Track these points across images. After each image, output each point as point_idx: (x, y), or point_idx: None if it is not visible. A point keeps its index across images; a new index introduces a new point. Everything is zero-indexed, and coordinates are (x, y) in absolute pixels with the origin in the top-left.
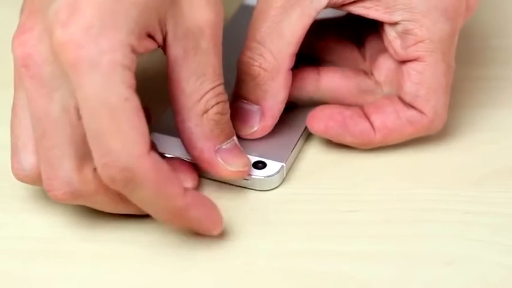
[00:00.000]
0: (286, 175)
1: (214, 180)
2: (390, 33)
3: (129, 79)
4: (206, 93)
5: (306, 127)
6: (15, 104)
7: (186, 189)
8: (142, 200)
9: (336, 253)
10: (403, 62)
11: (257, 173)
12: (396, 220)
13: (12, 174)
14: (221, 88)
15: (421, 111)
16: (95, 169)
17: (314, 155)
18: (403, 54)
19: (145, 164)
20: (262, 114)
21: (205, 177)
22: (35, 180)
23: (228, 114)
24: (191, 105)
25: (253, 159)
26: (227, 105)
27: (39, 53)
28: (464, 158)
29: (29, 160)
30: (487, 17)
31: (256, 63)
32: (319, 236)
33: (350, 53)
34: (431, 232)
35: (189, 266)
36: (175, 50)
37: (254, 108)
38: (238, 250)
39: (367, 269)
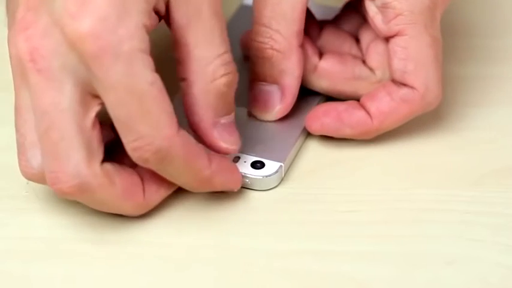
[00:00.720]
0: (284, 175)
1: None
2: (371, 8)
3: (150, 62)
4: (215, 58)
5: (304, 127)
6: (18, 104)
7: (210, 158)
8: (173, 174)
9: (336, 253)
10: (388, 39)
11: (255, 173)
12: (396, 220)
13: (12, 175)
14: (229, 56)
15: (412, 87)
16: (101, 163)
17: (313, 154)
18: (385, 29)
19: (177, 144)
20: (282, 92)
21: None
22: (42, 179)
23: (234, 88)
24: (199, 70)
25: (252, 159)
26: (235, 78)
27: (46, 47)
28: (464, 158)
29: (37, 157)
30: (486, 17)
31: (267, 46)
32: (319, 236)
33: (349, 48)
34: (431, 232)
35: (188, 266)
36: (179, 17)
37: (273, 88)
38: (238, 250)
39: (367, 269)
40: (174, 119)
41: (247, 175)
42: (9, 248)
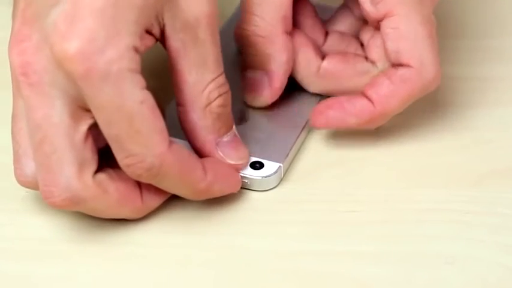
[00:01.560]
0: (284, 175)
1: None
2: None
3: (140, 81)
4: (208, 84)
5: (303, 127)
6: (14, 112)
7: (205, 167)
8: (168, 187)
9: (336, 253)
10: (379, 23)
11: (254, 174)
12: (396, 220)
13: (11, 175)
14: (223, 78)
15: (407, 65)
16: (94, 174)
17: (312, 155)
18: (373, 11)
19: (169, 160)
20: (270, 78)
21: None
22: (37, 185)
23: (230, 106)
24: (194, 97)
25: (251, 159)
26: (229, 96)
27: (38, 62)
28: (464, 158)
29: (30, 166)
30: (485, 17)
31: (250, 32)
32: (319, 236)
33: (355, 51)
34: (431, 232)
35: (188, 267)
36: (174, 42)
37: (261, 74)
38: (237, 250)
39: (367, 269)
40: (166, 136)
41: (247, 176)
42: (8, 248)
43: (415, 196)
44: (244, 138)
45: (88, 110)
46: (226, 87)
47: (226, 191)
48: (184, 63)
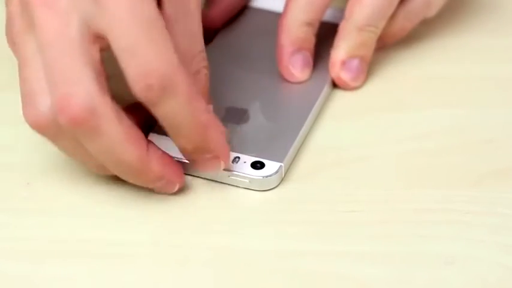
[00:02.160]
0: (284, 175)
1: (214, 180)
2: None
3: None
4: (198, 53)
5: (304, 127)
6: (24, 56)
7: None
8: (171, 111)
9: (336, 253)
10: None
11: (255, 173)
12: (396, 220)
13: (12, 175)
14: (205, 55)
15: None
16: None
17: (312, 155)
18: None
19: (182, 74)
20: None
21: (205, 178)
22: (51, 123)
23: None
24: (185, 63)
25: (252, 159)
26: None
27: None
28: (463, 158)
29: (46, 102)
30: (486, 17)
31: None
32: (319, 236)
33: None
34: (431, 232)
35: (188, 267)
36: (168, 9)
37: None
38: (238, 250)
39: (367, 269)
40: (175, 54)
41: (247, 175)
42: (8, 248)
43: (415, 196)
44: (244, 138)
45: (100, 38)
46: (207, 64)
47: (221, 149)
48: (177, 31)
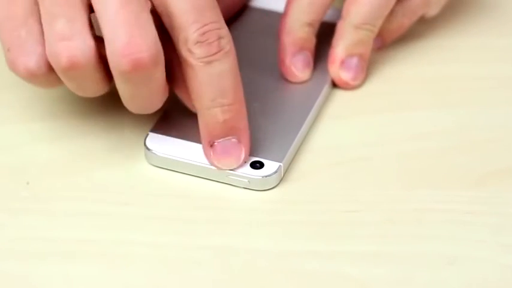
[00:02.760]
0: (284, 175)
1: (214, 180)
2: None
3: None
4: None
5: (303, 127)
6: (15, 11)
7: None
8: (222, 70)
9: (336, 253)
10: None
11: (255, 173)
12: (396, 220)
13: (12, 175)
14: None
15: None
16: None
17: (312, 155)
18: None
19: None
20: None
21: (206, 178)
22: (43, 71)
23: None
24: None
25: (251, 159)
26: None
27: None
28: (464, 158)
29: (37, 51)
30: (487, 17)
31: None
32: (319, 236)
33: None
34: (431, 232)
35: (188, 267)
36: None
37: None
38: (237, 250)
39: (367, 269)
40: None
41: (247, 175)
42: (8, 248)
43: (415, 196)
44: None
45: None
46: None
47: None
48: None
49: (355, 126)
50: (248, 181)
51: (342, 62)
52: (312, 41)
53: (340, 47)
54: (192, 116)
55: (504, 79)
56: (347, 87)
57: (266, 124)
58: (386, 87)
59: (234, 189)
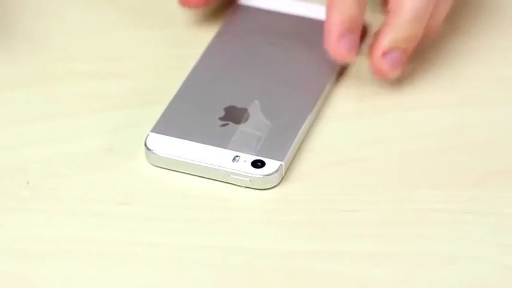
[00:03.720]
0: (285, 174)
1: (215, 180)
2: None
3: None
4: None
5: (304, 126)
6: None
7: None
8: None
9: (336, 253)
10: None
11: (256, 172)
12: (396, 220)
13: (12, 175)
14: None
15: None
16: None
17: (313, 154)
18: None
19: None
20: None
21: (206, 178)
22: None
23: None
24: None
25: (252, 158)
26: None
27: None
28: (464, 158)
29: None
30: (488, 17)
31: None
32: (319, 236)
33: None
34: (432, 232)
35: (188, 267)
36: None
37: None
38: (238, 250)
39: (367, 269)
40: None
41: (248, 174)
42: (9, 248)
43: (415, 196)
44: (245, 137)
45: None
46: None
47: None
48: None
49: (356, 126)
50: (249, 180)
51: (385, 53)
52: (360, 22)
53: (388, 38)
54: (192, 116)
55: (504, 79)
56: (383, 77)
57: (267, 123)
58: (386, 87)
59: (235, 189)
